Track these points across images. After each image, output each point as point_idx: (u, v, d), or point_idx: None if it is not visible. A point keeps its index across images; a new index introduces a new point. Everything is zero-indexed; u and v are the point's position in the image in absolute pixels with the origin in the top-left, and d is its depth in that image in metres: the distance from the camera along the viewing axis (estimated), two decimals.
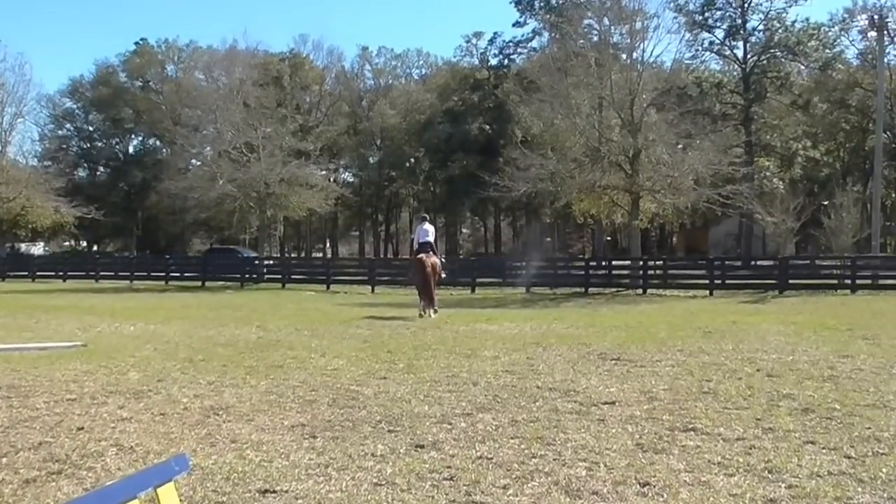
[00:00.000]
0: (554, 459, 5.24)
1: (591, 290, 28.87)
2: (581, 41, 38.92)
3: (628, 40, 35.10)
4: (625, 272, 32.17)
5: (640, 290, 28.40)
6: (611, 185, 33.20)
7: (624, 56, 35.92)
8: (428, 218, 20.36)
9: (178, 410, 6.85)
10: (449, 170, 63.74)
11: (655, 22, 35.04)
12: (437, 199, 73.51)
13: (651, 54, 35.53)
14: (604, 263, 34.82)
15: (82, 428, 6.18)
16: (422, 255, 18.22)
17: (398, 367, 9.40)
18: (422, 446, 5.60)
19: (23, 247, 72.62)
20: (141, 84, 75.17)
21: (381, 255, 74.42)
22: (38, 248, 77.99)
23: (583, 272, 31.88)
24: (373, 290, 30.53)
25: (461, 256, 66.44)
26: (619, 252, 57.66)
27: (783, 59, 53.17)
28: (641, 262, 31.66)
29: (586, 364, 9.46)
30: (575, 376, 8.54)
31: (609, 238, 61.29)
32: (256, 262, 38.67)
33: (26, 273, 41.01)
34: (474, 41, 71.21)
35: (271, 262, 41.75)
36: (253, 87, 42.53)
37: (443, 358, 10.10)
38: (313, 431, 6.07)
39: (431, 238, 19.29)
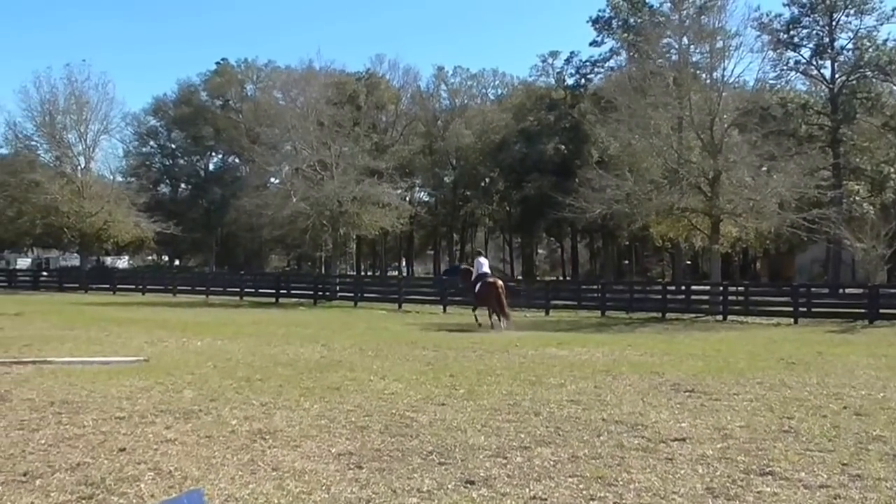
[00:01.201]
0: (614, 502, 4.79)
1: (668, 315, 27.96)
2: (660, 60, 38.23)
3: (709, 59, 34.27)
4: (704, 297, 31.17)
5: (720, 317, 27.38)
6: (690, 207, 32.36)
7: (704, 75, 35.09)
8: (483, 252, 25.65)
9: (225, 433, 6.61)
10: (524, 190, 63.25)
11: (737, 41, 34.10)
12: (512, 220, 73.14)
13: (732, 74, 34.58)
14: (682, 288, 33.82)
15: (124, 449, 6.00)
16: (491, 279, 22.41)
17: (458, 392, 9.02)
18: (472, 482, 5.22)
19: (108, 260, 74.98)
20: (221, 103, 77.10)
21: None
22: (122, 262, 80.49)
23: (660, 296, 31.06)
24: (444, 310, 30.22)
25: (537, 278, 65.63)
26: (700, 277, 56.16)
27: (874, 79, 50.99)
28: (722, 288, 30.60)
29: (657, 395, 8.90)
30: (644, 409, 8.02)
31: (689, 262, 59.86)
32: (329, 279, 38.87)
33: (108, 286, 42.17)
34: (550, 61, 70.81)
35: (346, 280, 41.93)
36: (328, 105, 42.93)
37: (506, 384, 9.68)
38: (360, 461, 5.75)
39: (487, 269, 23.75)
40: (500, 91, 79.81)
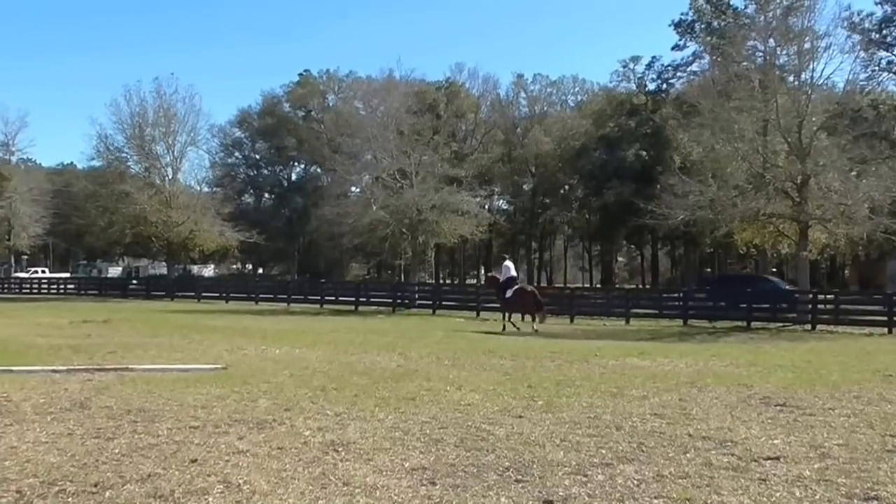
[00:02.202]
0: None
1: (753, 324, 27.01)
2: (744, 63, 37.15)
3: (796, 61, 33.08)
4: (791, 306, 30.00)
5: (808, 326, 26.28)
6: (776, 213, 31.31)
7: (791, 78, 33.89)
8: (507, 257, 27.62)
9: (297, 445, 6.50)
10: (604, 197, 62.45)
11: (826, 41, 32.79)
12: (591, 227, 72.31)
13: (821, 75, 33.21)
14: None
15: (195, 460, 5.94)
16: (521, 286, 25.36)
17: (537, 404, 8.74)
18: (551, 502, 4.96)
19: (194, 269, 77.05)
20: (303, 114, 78.55)
21: (535, 283, 73.65)
22: (208, 271, 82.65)
23: (745, 305, 30.01)
24: (522, 318, 29.85)
25: (616, 286, 64.56)
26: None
27: None
28: (810, 296, 29.40)
29: (746, 410, 8.44)
30: (733, 424, 7.59)
31: (774, 269, 57.90)
32: (408, 287, 38.95)
33: (193, 294, 43.19)
34: (631, 66, 69.82)
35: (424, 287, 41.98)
36: (408, 115, 43.18)
37: (586, 396, 9.36)
38: (434, 476, 5.54)
39: (514, 273, 25.36)
40: (579, 97, 79.25)
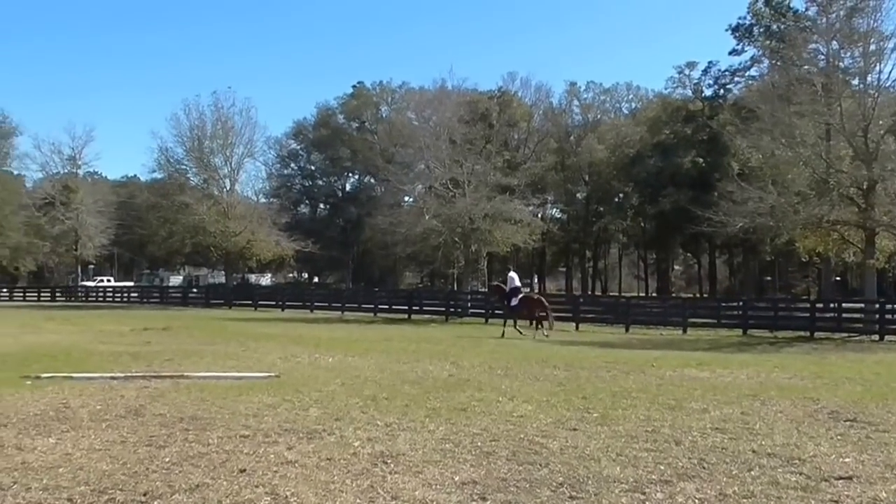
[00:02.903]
0: None
1: (816, 334, 26.17)
2: (806, 67, 36.13)
3: (861, 63, 32.06)
4: (857, 315, 28.99)
5: (875, 336, 25.37)
6: (840, 220, 30.35)
7: (856, 80, 32.88)
8: (512, 268, 30.55)
9: (347, 456, 6.40)
10: (659, 205, 61.56)
11: (893, 42, 31.72)
12: (647, 235, 71.39)
13: (888, 77, 32.17)
14: (832, 305, 31.63)
15: (244, 470, 5.88)
16: (527, 294, 27.46)
17: (591, 416, 8.52)
18: None
19: (251, 277, 78.16)
20: (357, 125, 79.21)
21: (589, 292, 72.93)
22: (265, 279, 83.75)
23: (808, 314, 29.09)
24: (577, 328, 29.48)
25: (672, 294, 63.56)
26: (850, 293, 52.71)
27: None
28: (878, 305, 28.40)
29: (814, 425, 8.09)
30: (800, 440, 7.26)
31: (838, 278, 56.38)
32: (461, 295, 38.84)
33: (250, 302, 43.69)
34: (687, 72, 68.68)
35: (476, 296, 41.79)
36: (460, 124, 43.14)
37: (643, 408, 9.09)
38: (484, 491, 5.38)
39: (518, 283, 27.02)
40: (633, 105, 78.43)
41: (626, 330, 28.03)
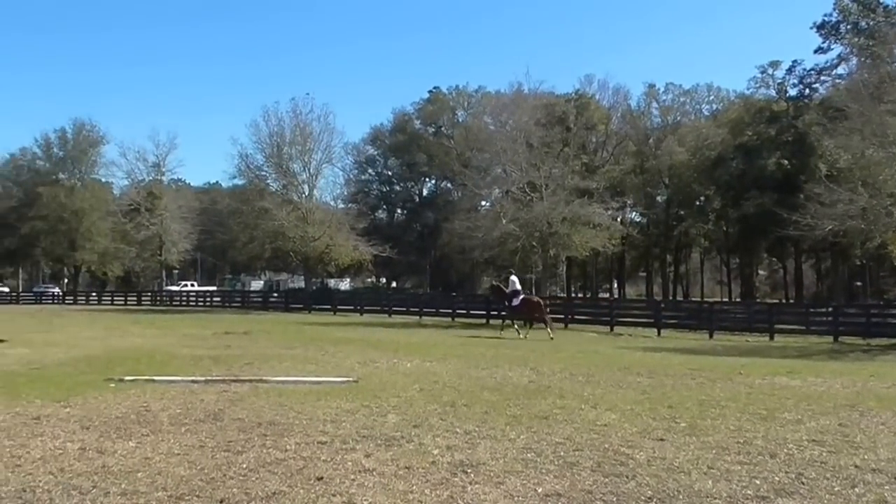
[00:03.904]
0: None
1: None
2: None
3: None
4: None
5: None
6: None
7: None
8: (513, 272, 30.13)
9: (425, 464, 6.24)
10: (742, 208, 59.98)
11: None
12: (730, 239, 69.69)
13: None
14: None
15: (321, 478, 5.77)
16: (526, 296, 28.23)
17: (679, 426, 8.17)
18: None
19: (330, 282, 79.13)
20: (433, 130, 79.54)
21: (670, 297, 71.46)
22: (344, 284, 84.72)
23: None
24: (659, 334, 28.81)
25: (756, 300, 61.72)
26: None
27: None
28: None
29: None
30: None
31: None
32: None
33: (329, 306, 44.15)
34: (770, 71, 66.87)
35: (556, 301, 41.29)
36: (537, 128, 42.79)
37: (733, 418, 8.69)
38: None
39: (518, 286, 28.00)
40: (714, 106, 76.73)
41: (710, 336, 27.24)
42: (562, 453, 6.72)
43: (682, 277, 79.93)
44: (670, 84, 75.22)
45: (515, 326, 26.80)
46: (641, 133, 72.92)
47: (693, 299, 68.52)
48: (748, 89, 69.63)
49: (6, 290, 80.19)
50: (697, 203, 70.72)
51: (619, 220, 58.64)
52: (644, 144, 72.23)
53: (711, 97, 77.20)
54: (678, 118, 74.72)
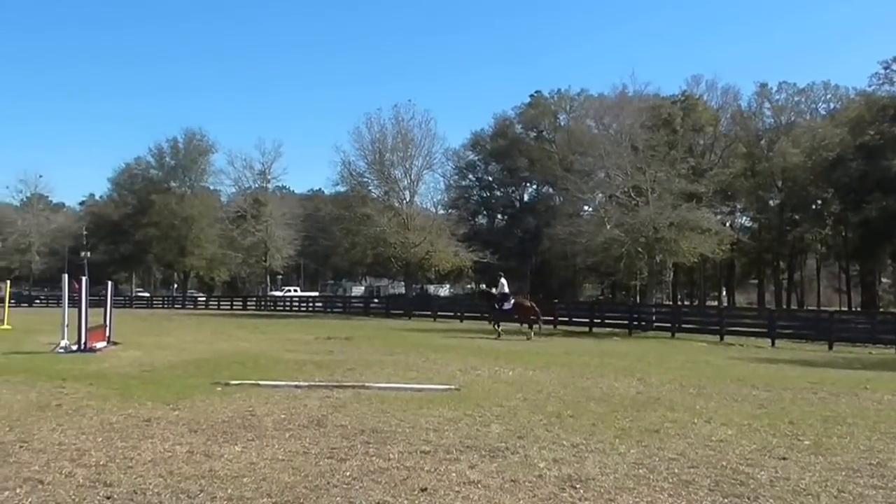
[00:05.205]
0: None
1: None
2: None
3: None
4: None
5: None
6: None
7: None
8: (502, 275, 31.21)
9: (532, 478, 5.96)
10: (864, 212, 57.05)
11: None
12: (849, 245, 66.38)
13: None
14: None
15: (425, 489, 5.59)
16: (518, 299, 29.88)
17: (802, 444, 7.62)
18: None
19: (430, 288, 79.60)
20: (535, 134, 78.97)
21: (784, 306, 68.62)
22: (444, 290, 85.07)
23: None
24: (773, 344, 27.54)
25: (880, 309, 58.53)
26: None
27: None
28: None
29: None
30: None
31: None
32: (645, 308, 37.46)
33: (429, 313, 44.26)
34: (894, 67, 63.29)
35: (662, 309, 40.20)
36: (642, 130, 41.78)
37: (862, 437, 8.06)
38: None
39: (507, 290, 29.37)
40: (831, 105, 73.37)
41: (829, 347, 25.85)
42: (676, 470, 6.34)
43: (796, 285, 76.70)
44: (784, 83, 72.37)
45: (499, 329, 27.85)
46: (752, 134, 70.43)
47: (809, 308, 65.62)
48: (870, 86, 66.16)
49: (146, 294, 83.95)
50: (813, 207, 67.76)
51: (728, 224, 56.74)
52: (755, 146, 69.74)
53: (829, 95, 73.88)
54: (792, 118, 71.75)
